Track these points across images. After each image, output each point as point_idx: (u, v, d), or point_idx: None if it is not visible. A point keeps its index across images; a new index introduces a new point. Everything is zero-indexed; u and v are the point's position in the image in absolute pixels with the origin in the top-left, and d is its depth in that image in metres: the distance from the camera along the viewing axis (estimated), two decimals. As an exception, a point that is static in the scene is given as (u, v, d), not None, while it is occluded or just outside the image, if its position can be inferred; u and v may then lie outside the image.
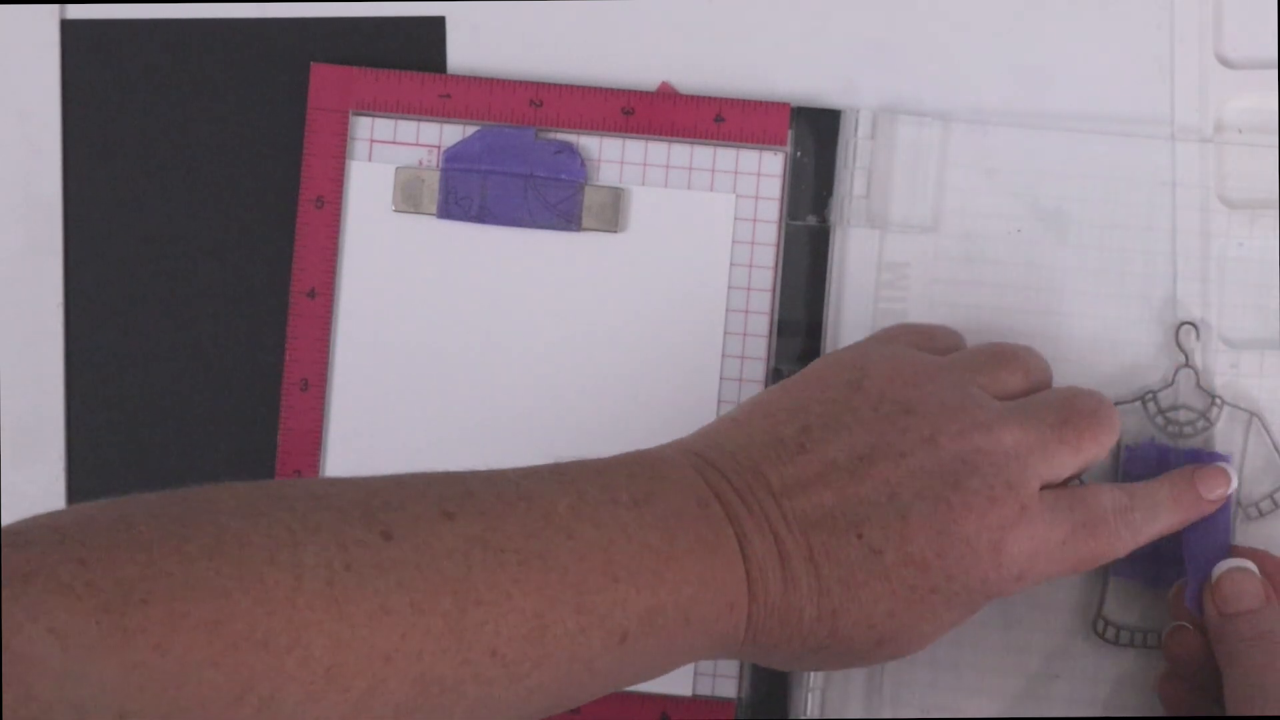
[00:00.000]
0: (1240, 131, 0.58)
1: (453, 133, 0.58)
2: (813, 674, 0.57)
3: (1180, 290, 0.58)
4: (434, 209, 0.58)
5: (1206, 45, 0.58)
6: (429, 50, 0.59)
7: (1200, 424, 0.57)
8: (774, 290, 0.58)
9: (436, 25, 0.59)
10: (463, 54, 0.59)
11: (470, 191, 0.58)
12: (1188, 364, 0.57)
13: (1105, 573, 0.57)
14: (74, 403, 0.59)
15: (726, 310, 0.58)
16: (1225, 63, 0.58)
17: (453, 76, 0.58)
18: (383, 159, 0.59)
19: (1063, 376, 0.57)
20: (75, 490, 0.59)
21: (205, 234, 0.59)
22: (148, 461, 0.59)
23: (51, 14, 0.59)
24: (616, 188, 0.58)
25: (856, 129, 0.58)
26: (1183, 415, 0.57)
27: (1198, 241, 0.58)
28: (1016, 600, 0.57)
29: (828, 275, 0.58)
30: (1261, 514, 0.57)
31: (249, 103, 0.59)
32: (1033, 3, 0.58)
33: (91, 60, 0.59)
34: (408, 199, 0.58)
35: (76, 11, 0.59)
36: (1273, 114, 0.58)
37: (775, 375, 0.58)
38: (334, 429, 0.59)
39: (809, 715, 0.57)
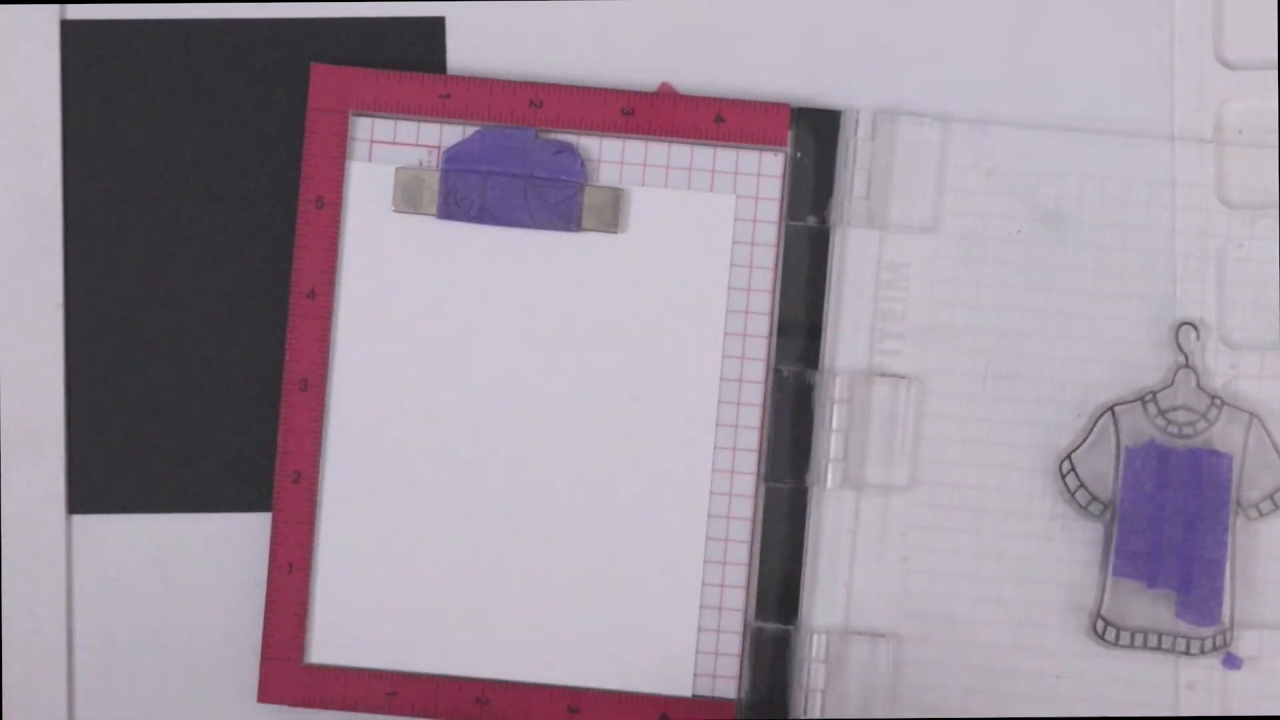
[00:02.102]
0: (1240, 132, 0.58)
1: (453, 133, 0.58)
2: (812, 674, 0.57)
3: (1180, 290, 0.58)
4: (434, 209, 0.58)
5: (1206, 46, 0.58)
6: (429, 50, 0.59)
7: (1200, 424, 0.57)
8: (774, 290, 0.58)
9: (436, 25, 0.59)
10: (463, 54, 0.59)
11: (470, 192, 0.58)
12: (1188, 364, 0.57)
13: (1105, 573, 0.57)
14: (74, 403, 0.59)
15: (726, 310, 0.58)
16: (1225, 63, 0.58)
17: (453, 77, 0.58)
18: (383, 159, 0.59)
19: (1063, 376, 0.57)
20: (75, 490, 0.59)
21: (205, 234, 0.59)
22: (148, 461, 0.59)
23: (51, 14, 0.59)
24: (616, 188, 0.58)
25: (856, 129, 0.58)
26: (1182, 416, 0.57)
27: (1198, 241, 0.58)
28: (1016, 600, 0.57)
29: (828, 275, 0.58)
30: (1261, 514, 0.57)
31: (249, 103, 0.59)
32: (1033, 4, 0.58)
33: (91, 60, 0.59)
34: (408, 199, 0.58)
35: (76, 11, 0.59)
36: (1273, 114, 0.58)
37: (775, 375, 0.58)
38: (334, 429, 0.59)
39: (809, 715, 0.57)
